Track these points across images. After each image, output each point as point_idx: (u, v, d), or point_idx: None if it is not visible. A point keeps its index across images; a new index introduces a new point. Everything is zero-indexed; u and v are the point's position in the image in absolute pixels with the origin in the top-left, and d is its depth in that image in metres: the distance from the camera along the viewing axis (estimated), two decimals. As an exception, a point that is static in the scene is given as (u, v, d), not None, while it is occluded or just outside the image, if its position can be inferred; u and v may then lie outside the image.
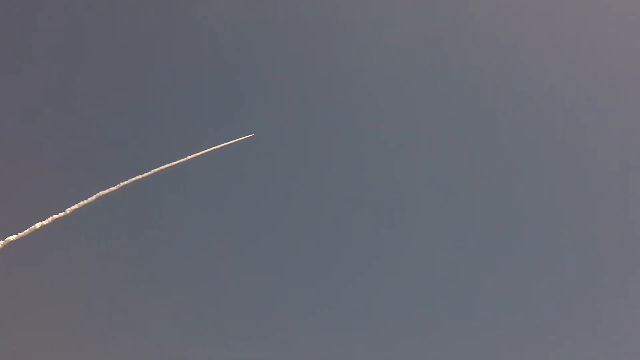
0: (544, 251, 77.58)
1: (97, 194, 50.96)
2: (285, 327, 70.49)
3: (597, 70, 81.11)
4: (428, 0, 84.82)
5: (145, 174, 52.59)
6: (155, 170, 54.75)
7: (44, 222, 48.23)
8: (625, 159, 77.83)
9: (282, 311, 72.32)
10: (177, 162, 56.81)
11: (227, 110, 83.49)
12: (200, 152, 58.74)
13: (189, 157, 57.64)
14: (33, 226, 47.18)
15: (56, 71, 73.78)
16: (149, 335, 62.90)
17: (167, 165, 55.92)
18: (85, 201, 50.69)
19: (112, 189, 51.32)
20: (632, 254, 73.90)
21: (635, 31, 78.03)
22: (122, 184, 51.43)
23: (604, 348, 67.82)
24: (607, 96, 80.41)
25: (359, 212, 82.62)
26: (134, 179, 51.59)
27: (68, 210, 49.67)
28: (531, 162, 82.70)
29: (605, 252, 75.69)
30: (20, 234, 46.01)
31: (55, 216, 48.83)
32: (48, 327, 55.26)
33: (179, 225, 74.89)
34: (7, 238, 45.11)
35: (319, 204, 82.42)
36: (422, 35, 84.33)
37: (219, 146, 59.89)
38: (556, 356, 68.58)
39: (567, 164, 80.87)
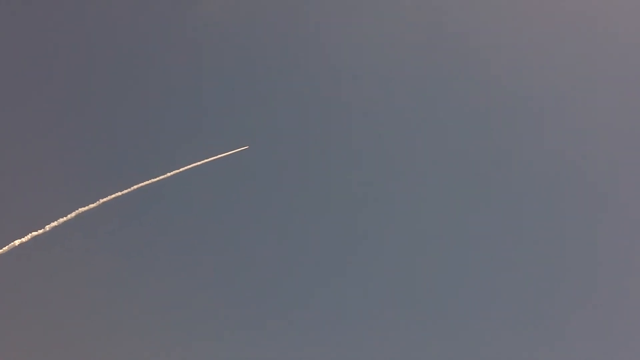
0: (537, 249, 77.49)
1: (77, 211, 50.32)
2: (283, 328, 70.34)
3: (594, 72, 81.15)
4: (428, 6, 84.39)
5: (125, 191, 51.70)
6: (143, 184, 54.38)
7: (23, 240, 47.82)
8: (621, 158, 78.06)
9: (281, 312, 72.35)
10: (170, 174, 56.48)
11: (222, 122, 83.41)
12: (194, 164, 58.56)
13: (181, 169, 57.41)
14: (12, 243, 46.86)
15: (37, 81, 73.45)
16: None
17: (158, 178, 55.52)
18: (65, 218, 50.11)
19: (91, 205, 50.61)
20: (631, 254, 73.82)
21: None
22: (101, 200, 50.67)
23: (602, 348, 67.56)
24: (604, 97, 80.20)
25: (355, 220, 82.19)
26: (113, 195, 50.78)
27: (47, 227, 49.15)
28: (528, 161, 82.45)
29: (604, 251, 75.59)
30: (-1, 251, 45.67)
31: (34, 233, 48.37)
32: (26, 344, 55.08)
33: (171, 237, 74.33)
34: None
35: (314, 214, 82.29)
36: (421, 43, 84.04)
37: (212, 158, 59.80)
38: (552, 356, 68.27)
39: (564, 163, 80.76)
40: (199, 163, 58.40)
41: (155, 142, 78.16)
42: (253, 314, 70.71)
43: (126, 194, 52.65)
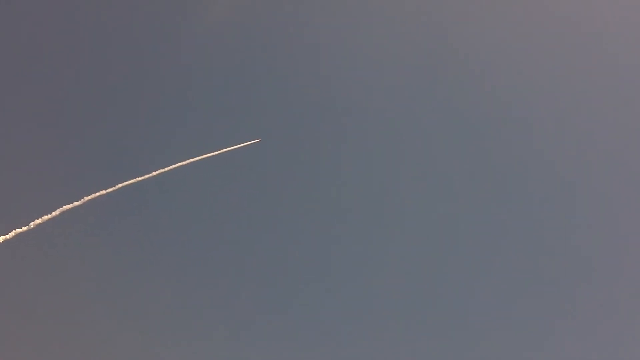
0: (536, 250, 77.62)
1: (61, 208, 49.79)
2: (286, 329, 70.52)
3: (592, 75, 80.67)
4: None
5: (111, 189, 50.96)
6: (146, 176, 54.04)
7: (7, 237, 47.39)
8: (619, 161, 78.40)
9: (283, 313, 72.34)
10: (177, 165, 56.16)
11: (235, 114, 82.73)
12: (205, 156, 58.30)
13: (192, 160, 57.18)
14: (-4, 240, 46.40)
15: (22, 78, 72.41)
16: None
17: (163, 170, 55.11)
18: (49, 215, 49.57)
19: (76, 203, 50.07)
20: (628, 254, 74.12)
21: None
22: (86, 198, 50.06)
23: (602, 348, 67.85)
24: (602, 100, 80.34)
25: (364, 216, 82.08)
26: (97, 194, 50.09)
27: (32, 225, 48.67)
28: (526, 162, 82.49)
29: (603, 252, 75.69)
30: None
31: (18, 230, 47.89)
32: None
33: (177, 230, 73.94)
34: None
35: (324, 209, 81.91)
36: (429, 42, 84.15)
37: (224, 150, 59.60)
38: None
39: (562, 164, 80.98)
40: (208, 155, 58.46)
41: (161, 134, 77.81)
42: (254, 314, 70.79)
43: (125, 187, 52.52)
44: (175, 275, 69.58)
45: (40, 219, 48.76)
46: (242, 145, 60.53)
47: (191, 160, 56.93)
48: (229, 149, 59.65)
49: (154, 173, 54.34)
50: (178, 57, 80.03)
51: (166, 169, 55.10)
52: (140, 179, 52.74)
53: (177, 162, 55.88)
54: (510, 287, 75.00)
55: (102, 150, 73.64)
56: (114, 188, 51.08)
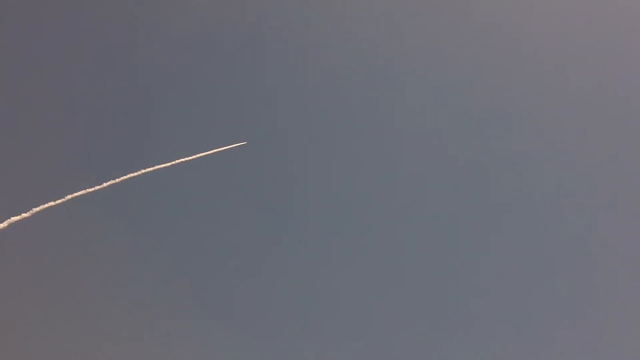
0: (535, 250, 77.52)
1: (9, 220, 48.81)
2: (280, 329, 69.65)
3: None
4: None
5: (61, 200, 50.11)
6: (117, 180, 53.27)
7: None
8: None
9: (279, 314, 71.67)
10: (160, 166, 55.82)
11: (220, 116, 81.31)
12: (189, 158, 58.05)
13: (176, 162, 56.93)
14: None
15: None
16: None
17: (144, 171, 54.64)
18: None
19: (24, 215, 49.12)
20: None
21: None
22: (34, 210, 49.13)
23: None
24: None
25: (354, 220, 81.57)
26: (46, 205, 49.14)
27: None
28: (525, 162, 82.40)
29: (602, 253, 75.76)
30: None
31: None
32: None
33: (161, 231, 72.71)
34: None
35: (310, 212, 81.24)
36: (423, 40, 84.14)
37: (209, 152, 59.52)
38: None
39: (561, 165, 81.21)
40: (191, 157, 58.07)
41: (145, 136, 75.83)
42: (249, 315, 69.84)
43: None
44: (148, 287, 68.27)
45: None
46: (227, 147, 60.84)
47: (175, 162, 56.84)
48: (214, 151, 59.82)
49: (132, 175, 53.85)
50: (161, 57, 78.96)
51: (149, 169, 54.78)
52: (92, 190, 51.80)
53: (160, 164, 55.83)
54: (509, 287, 75.32)
55: (75, 154, 71.97)
56: (64, 199, 50.24)
